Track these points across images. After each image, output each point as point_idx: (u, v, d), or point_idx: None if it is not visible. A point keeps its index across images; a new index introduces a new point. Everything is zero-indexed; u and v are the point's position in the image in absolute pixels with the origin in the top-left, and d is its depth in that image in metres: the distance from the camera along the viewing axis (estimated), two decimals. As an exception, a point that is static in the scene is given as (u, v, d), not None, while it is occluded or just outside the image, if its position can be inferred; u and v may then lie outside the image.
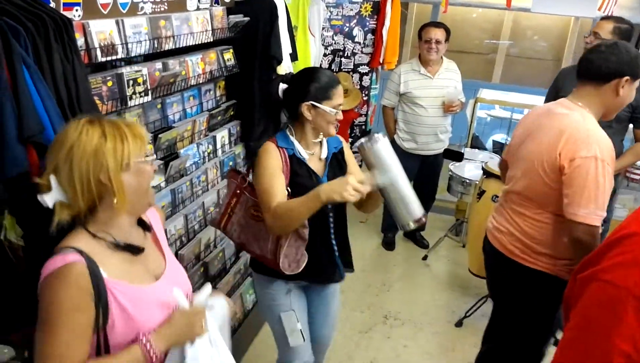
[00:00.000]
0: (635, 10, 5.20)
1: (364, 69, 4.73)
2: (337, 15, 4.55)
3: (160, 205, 2.14)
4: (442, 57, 3.86)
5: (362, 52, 4.68)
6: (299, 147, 1.92)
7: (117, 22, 1.76)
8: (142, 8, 1.91)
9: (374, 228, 4.47)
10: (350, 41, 4.64)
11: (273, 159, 1.87)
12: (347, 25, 4.60)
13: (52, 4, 1.49)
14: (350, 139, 4.76)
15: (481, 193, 3.41)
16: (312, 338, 2.21)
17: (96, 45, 1.66)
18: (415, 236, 4.36)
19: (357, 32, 4.62)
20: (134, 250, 1.28)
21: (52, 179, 1.17)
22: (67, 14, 1.51)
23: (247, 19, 2.51)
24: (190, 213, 2.33)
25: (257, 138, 1.97)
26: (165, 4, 2.03)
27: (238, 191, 2.02)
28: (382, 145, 1.72)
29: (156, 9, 1.98)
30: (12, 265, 1.40)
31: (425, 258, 4.15)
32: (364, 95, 4.74)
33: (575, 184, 1.80)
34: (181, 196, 2.27)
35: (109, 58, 1.72)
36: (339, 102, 1.88)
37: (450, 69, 3.90)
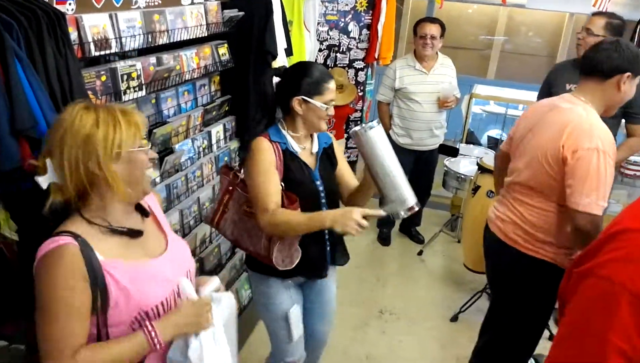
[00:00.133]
0: (630, 7, 5.22)
1: (359, 64, 4.72)
2: (333, 10, 4.54)
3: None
4: (437, 53, 3.86)
5: (357, 47, 4.68)
6: (291, 141, 1.92)
7: (110, 16, 1.74)
8: (136, 2, 1.90)
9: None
10: (345, 36, 4.63)
11: (266, 155, 1.86)
12: (343, 20, 4.58)
13: (45, -2, 1.48)
14: (345, 135, 4.75)
15: (476, 189, 3.42)
16: (309, 335, 2.21)
17: (89, 39, 1.64)
18: (411, 232, 4.37)
19: (353, 28, 4.61)
20: (132, 234, 1.28)
21: (48, 162, 1.18)
22: (60, 7, 1.49)
23: (241, 13, 2.50)
24: (186, 208, 2.32)
25: (252, 133, 1.96)
26: (160, -2, 2.02)
27: (230, 188, 2.01)
28: (375, 132, 1.73)
29: (150, 3, 1.97)
30: (6, 260, 1.39)
31: (420, 253, 4.16)
32: (359, 90, 4.73)
33: (578, 175, 1.87)
34: (176, 191, 2.26)
35: (102, 52, 1.71)
36: (330, 98, 1.88)
37: (446, 65, 3.90)
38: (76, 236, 1.17)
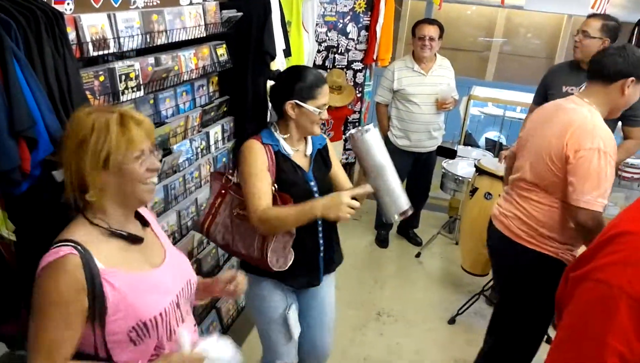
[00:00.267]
0: (628, 9, 5.23)
1: (357, 65, 4.72)
2: (331, 11, 4.54)
3: (153, 201, 2.13)
4: (435, 55, 3.86)
5: (355, 48, 4.67)
6: (284, 143, 1.92)
7: (109, 16, 1.74)
8: (134, 2, 1.89)
9: (367, 225, 4.47)
10: (344, 37, 4.62)
11: (258, 157, 1.86)
12: (341, 21, 4.58)
13: (44, -3, 1.47)
14: (343, 136, 4.75)
15: (474, 191, 3.42)
16: (308, 343, 2.19)
17: (88, 39, 1.64)
18: (409, 234, 4.36)
19: (351, 29, 4.61)
20: (132, 239, 1.28)
21: None
22: (58, 7, 1.49)
23: (240, 14, 2.50)
24: (183, 209, 2.32)
25: (250, 134, 1.96)
26: (158, -2, 2.01)
27: (223, 191, 2.01)
28: (371, 135, 1.73)
29: (148, 3, 1.96)
30: (4, 260, 1.39)
31: (418, 255, 4.16)
32: (357, 92, 4.73)
33: (579, 173, 1.93)
34: (174, 192, 2.26)
35: (100, 52, 1.70)
36: (323, 102, 1.88)
37: (444, 66, 3.90)
38: (77, 245, 1.18)
